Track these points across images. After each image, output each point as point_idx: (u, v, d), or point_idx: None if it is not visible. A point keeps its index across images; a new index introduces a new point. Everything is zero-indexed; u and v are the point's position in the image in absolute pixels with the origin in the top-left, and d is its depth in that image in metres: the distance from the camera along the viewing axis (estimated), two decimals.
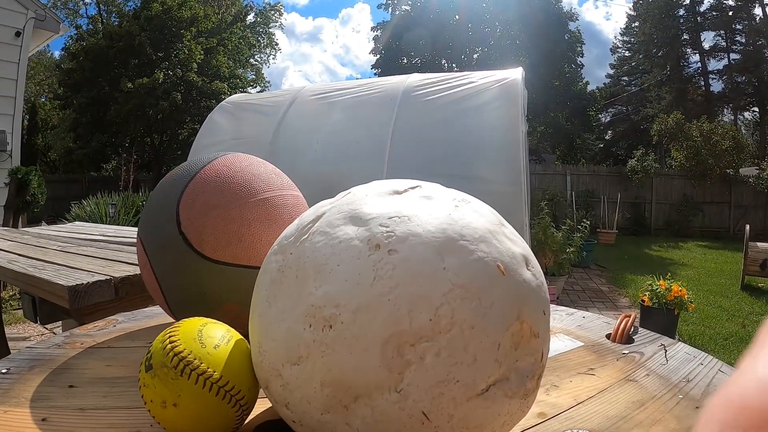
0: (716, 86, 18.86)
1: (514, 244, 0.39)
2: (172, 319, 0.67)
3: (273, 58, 24.43)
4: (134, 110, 14.30)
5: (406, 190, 0.41)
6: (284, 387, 0.37)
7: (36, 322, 1.41)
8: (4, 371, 0.57)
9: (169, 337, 0.42)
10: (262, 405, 0.50)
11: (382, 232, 0.36)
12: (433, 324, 0.33)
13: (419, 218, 0.37)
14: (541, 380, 0.39)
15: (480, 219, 0.38)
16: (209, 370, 0.40)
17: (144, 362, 0.42)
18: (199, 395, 0.40)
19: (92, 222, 5.01)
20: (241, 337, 0.45)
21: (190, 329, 0.43)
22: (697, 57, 18.92)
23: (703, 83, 18.83)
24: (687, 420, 0.48)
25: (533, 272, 0.39)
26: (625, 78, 20.99)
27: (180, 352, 0.40)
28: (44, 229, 2.25)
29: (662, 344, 0.68)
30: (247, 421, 0.47)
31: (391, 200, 0.39)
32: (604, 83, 21.44)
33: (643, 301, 3.50)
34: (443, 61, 16.94)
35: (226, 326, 0.45)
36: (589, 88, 18.20)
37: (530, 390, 0.37)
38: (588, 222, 6.04)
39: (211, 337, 0.42)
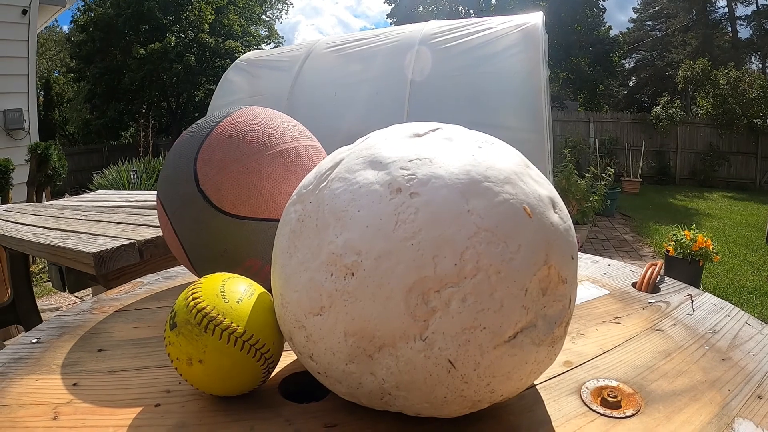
0: (744, 32, 18.05)
1: (540, 185, 0.37)
2: (196, 278, 0.67)
3: (285, 13, 24.02)
4: (148, 76, 14.29)
5: (426, 133, 0.39)
6: (308, 338, 0.37)
7: (64, 291, 1.45)
8: (34, 341, 0.58)
9: (192, 294, 0.41)
10: (287, 358, 0.51)
11: (403, 176, 0.34)
12: (458, 269, 0.31)
13: (441, 160, 0.35)
14: (568, 327, 0.38)
15: (504, 160, 0.37)
16: (233, 324, 0.40)
17: (168, 321, 0.42)
18: (224, 350, 0.40)
19: (115, 190, 5.08)
20: (264, 290, 0.45)
21: (212, 285, 0.42)
22: (724, 2, 18.03)
23: (730, 29, 18.01)
24: (713, 372, 0.47)
25: (560, 215, 0.37)
26: (650, 22, 20.19)
27: (203, 309, 0.40)
28: (67, 201, 2.28)
29: (689, 294, 0.67)
30: (273, 375, 0.48)
31: (411, 143, 0.37)
32: (628, 28, 20.70)
33: (667, 251, 3.46)
34: (460, 8, 16.42)
35: (249, 280, 0.45)
36: (612, 32, 17.56)
37: (558, 337, 0.36)
38: (612, 170, 5.94)
39: (233, 292, 0.42)
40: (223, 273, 0.45)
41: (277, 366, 0.49)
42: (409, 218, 0.32)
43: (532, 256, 0.33)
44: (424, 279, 0.32)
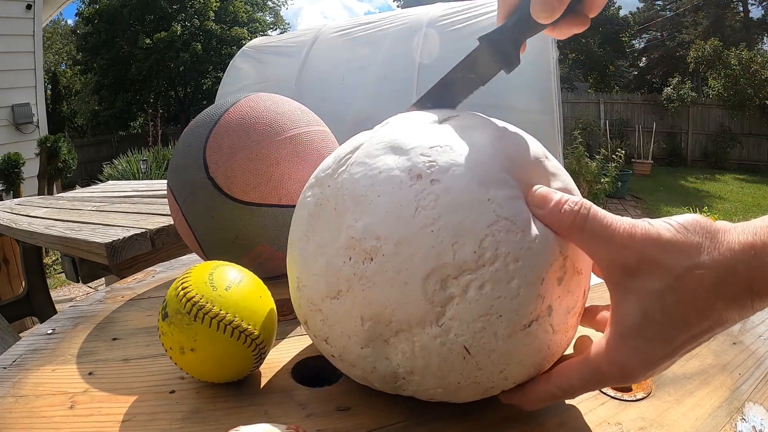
0: (756, 12, 17.59)
1: (556, 177, 0.38)
2: None
3: None
4: (155, 65, 14.35)
5: (446, 119, 0.39)
6: (324, 322, 0.37)
7: (78, 282, 1.46)
8: (49, 332, 0.59)
9: (182, 283, 0.42)
10: (300, 342, 0.51)
11: (424, 162, 0.34)
12: (477, 257, 0.31)
13: (462, 148, 0.35)
14: (581, 317, 0.38)
15: (525, 150, 0.37)
16: (222, 312, 0.40)
17: (160, 311, 0.42)
18: (214, 338, 0.40)
19: (126, 180, 5.11)
20: (256, 277, 0.46)
21: (201, 274, 0.43)
22: None
23: (741, 9, 17.63)
24: (724, 355, 0.47)
25: None
26: (660, 2, 19.82)
27: (192, 297, 0.41)
28: (78, 193, 2.30)
29: None
30: (286, 360, 0.48)
31: (431, 129, 0.37)
32: (638, 8, 20.36)
33: None
34: None
35: (240, 267, 0.46)
36: (622, 12, 17.28)
37: (571, 326, 0.36)
38: (622, 152, 5.89)
39: (222, 279, 0.43)
40: (214, 261, 0.46)
41: (290, 350, 0.50)
42: (430, 205, 0.32)
43: (548, 246, 0.33)
44: (443, 266, 0.32)
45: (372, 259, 0.33)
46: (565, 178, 0.39)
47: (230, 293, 0.42)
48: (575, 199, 0.33)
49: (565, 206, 0.32)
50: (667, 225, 0.30)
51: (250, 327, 0.41)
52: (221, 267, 0.44)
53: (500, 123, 0.40)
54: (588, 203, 0.33)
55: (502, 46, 0.41)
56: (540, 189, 0.34)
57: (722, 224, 0.30)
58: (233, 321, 0.40)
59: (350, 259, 0.34)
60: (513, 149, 0.36)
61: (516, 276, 0.32)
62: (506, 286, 0.32)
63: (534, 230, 0.33)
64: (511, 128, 0.40)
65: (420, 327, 0.33)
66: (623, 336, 0.30)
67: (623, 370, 0.31)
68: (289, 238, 0.42)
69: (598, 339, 0.33)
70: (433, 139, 0.36)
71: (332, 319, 0.36)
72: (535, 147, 0.39)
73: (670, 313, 0.29)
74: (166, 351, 0.42)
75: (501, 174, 0.34)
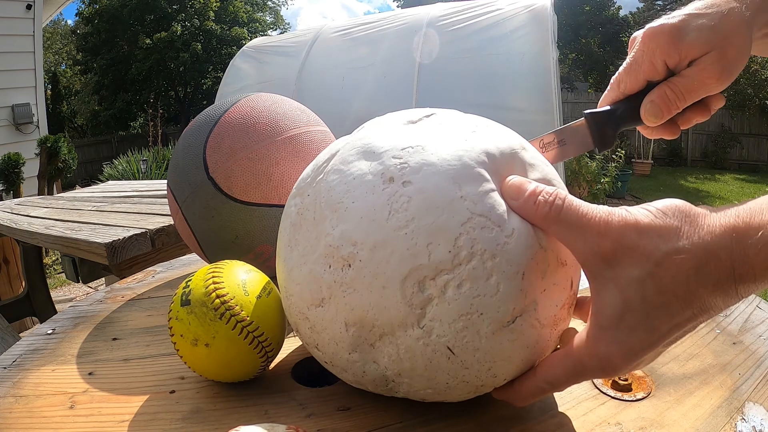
0: None
1: (534, 168, 0.37)
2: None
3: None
4: (155, 65, 14.35)
5: (420, 119, 0.39)
6: (312, 329, 0.37)
7: (78, 282, 1.47)
8: (49, 332, 0.59)
9: (212, 277, 0.42)
10: (299, 342, 0.52)
11: (395, 164, 0.34)
12: (453, 256, 0.31)
13: (434, 147, 0.35)
14: (572, 309, 0.38)
15: (499, 144, 0.36)
16: (248, 318, 0.41)
17: (180, 296, 0.42)
18: (233, 339, 0.40)
19: (126, 180, 5.11)
20: (276, 290, 0.46)
21: (234, 274, 0.43)
22: None
23: None
24: (724, 355, 0.47)
25: None
26: (659, 2, 19.84)
27: (223, 296, 0.41)
28: (78, 193, 2.30)
29: None
30: (285, 360, 0.49)
31: (404, 130, 0.37)
32: (638, 8, 20.35)
33: None
34: None
35: (266, 277, 0.46)
36: (621, 13, 17.27)
37: (560, 319, 0.36)
38: (622, 152, 5.88)
39: (255, 287, 0.43)
40: (242, 262, 0.46)
41: (290, 351, 0.50)
42: (402, 207, 0.33)
43: (527, 240, 0.33)
44: (419, 267, 0.32)
45: (350, 265, 0.33)
46: (545, 168, 0.39)
47: (260, 302, 0.42)
48: (549, 189, 0.33)
49: (540, 197, 0.32)
50: (645, 211, 0.30)
51: (268, 339, 0.42)
52: (253, 273, 0.45)
53: (475, 118, 0.40)
54: (563, 193, 0.32)
55: (602, 127, 0.44)
56: (513, 179, 0.34)
57: (703, 208, 0.29)
58: (257, 329, 0.41)
59: (330, 266, 0.34)
60: (487, 143, 0.36)
61: (494, 273, 0.32)
62: (485, 283, 0.32)
63: (511, 225, 0.33)
64: (486, 122, 0.40)
65: (402, 330, 0.33)
66: (603, 327, 0.30)
67: (604, 362, 0.30)
68: (276, 249, 0.42)
69: (581, 331, 0.33)
70: (405, 140, 0.36)
71: (319, 326, 0.36)
72: (512, 139, 0.38)
73: (651, 301, 0.28)
74: (171, 335, 0.42)
75: (474, 169, 0.34)
